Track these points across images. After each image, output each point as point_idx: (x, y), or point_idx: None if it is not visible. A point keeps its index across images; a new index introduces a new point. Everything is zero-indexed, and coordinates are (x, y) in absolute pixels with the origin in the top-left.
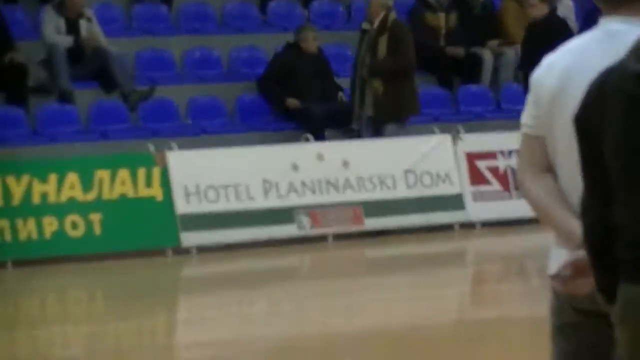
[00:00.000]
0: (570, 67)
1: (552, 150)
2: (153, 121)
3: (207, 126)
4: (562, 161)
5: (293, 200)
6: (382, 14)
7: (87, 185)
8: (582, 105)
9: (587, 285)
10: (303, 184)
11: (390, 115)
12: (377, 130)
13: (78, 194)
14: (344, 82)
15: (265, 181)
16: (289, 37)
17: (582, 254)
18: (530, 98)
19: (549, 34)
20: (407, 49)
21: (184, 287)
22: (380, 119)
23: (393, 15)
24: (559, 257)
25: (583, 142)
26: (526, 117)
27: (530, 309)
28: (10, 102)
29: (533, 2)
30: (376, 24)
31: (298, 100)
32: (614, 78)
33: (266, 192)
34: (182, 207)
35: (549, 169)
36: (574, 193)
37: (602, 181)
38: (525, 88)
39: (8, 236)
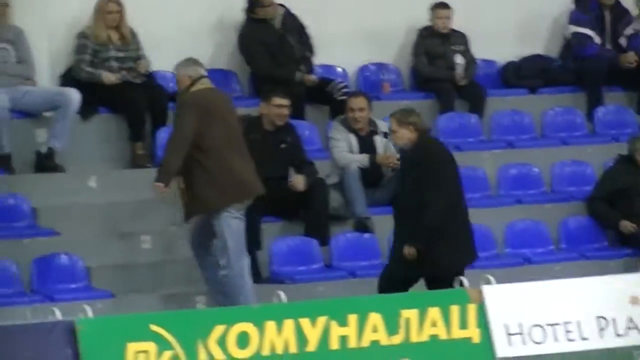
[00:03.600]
0: None
1: None
2: None
3: (529, 255)
4: None
5: (634, 339)
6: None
7: (392, 328)
8: None
9: None
10: None
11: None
12: None
13: (382, 338)
14: None
15: (599, 318)
16: (622, 148)
17: None
18: None
19: None
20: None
21: None
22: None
23: (199, 85)
24: None
25: None
26: None
27: None
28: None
29: None
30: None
31: (634, 224)
32: None
33: (601, 331)
34: (503, 349)
35: None
36: None
37: None
38: None
39: None
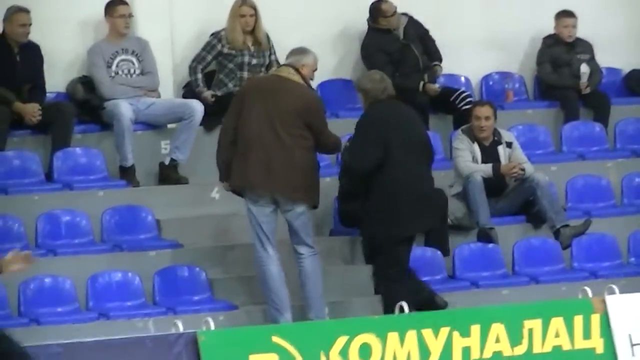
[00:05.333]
0: None
1: None
2: (589, 260)
3: None
4: None
5: None
6: None
7: (515, 338)
8: None
9: None
10: None
11: None
12: None
13: (505, 348)
14: None
15: None
16: None
17: None
18: None
19: None
20: None
21: None
22: None
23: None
24: None
25: None
26: None
27: None
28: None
29: None
30: None
31: None
32: None
33: None
34: (626, 359)
35: None
36: None
37: None
38: None
39: None
